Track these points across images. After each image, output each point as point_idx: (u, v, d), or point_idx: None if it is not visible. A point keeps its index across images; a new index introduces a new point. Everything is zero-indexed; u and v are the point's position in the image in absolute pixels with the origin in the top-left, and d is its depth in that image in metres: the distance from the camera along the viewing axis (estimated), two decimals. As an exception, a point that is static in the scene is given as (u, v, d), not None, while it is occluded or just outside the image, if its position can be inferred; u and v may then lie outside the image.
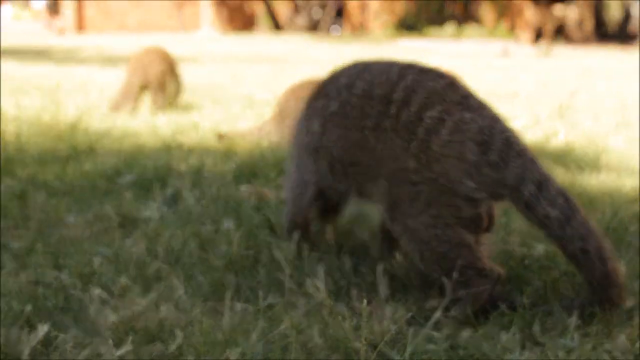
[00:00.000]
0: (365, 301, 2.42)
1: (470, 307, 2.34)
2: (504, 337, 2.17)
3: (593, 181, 4.07)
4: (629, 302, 2.38)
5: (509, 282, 2.59)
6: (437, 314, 2.27)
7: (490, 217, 2.45)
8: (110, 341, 2.07)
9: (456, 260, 2.36)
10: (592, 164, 4.61)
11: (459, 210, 2.37)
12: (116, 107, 6.67)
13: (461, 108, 2.40)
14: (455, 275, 2.35)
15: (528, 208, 2.32)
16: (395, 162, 2.43)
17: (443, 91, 2.44)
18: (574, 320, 2.26)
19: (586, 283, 2.36)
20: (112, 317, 2.25)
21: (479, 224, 2.41)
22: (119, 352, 2.03)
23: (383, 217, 2.56)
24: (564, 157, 4.78)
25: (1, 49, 15.45)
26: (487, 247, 2.50)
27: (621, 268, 2.44)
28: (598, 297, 2.32)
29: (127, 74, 6.81)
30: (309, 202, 2.82)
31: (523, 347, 2.18)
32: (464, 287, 2.36)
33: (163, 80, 6.81)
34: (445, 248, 2.38)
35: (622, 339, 2.14)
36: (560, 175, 4.18)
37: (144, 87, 6.77)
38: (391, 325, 2.27)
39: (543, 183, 2.32)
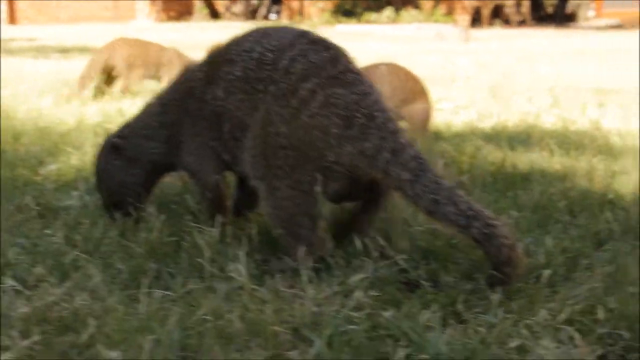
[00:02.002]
0: (287, 284, 2.40)
1: (282, 267, 2.56)
2: (426, 315, 2.12)
3: (524, 159, 4.06)
4: (546, 273, 2.42)
5: (435, 260, 2.56)
6: (358, 294, 2.24)
7: (376, 191, 2.67)
8: (16, 332, 1.99)
9: (299, 226, 2.58)
10: (524, 142, 4.60)
11: (317, 180, 2.54)
12: (78, 89, 6.61)
13: (335, 83, 2.55)
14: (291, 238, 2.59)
15: (384, 174, 2.49)
16: (271, 125, 2.57)
17: (323, 65, 2.58)
18: (497, 297, 2.24)
19: (453, 228, 2.43)
20: (23, 308, 2.17)
21: (341, 195, 2.64)
22: (26, 343, 1.96)
23: (248, 174, 2.67)
24: (496, 136, 4.77)
25: None
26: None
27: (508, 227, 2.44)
28: (473, 237, 2.40)
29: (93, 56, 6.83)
30: (216, 169, 2.86)
31: (445, 325, 2.14)
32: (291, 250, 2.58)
33: (127, 65, 6.73)
34: (295, 212, 2.57)
35: (543, 313, 2.11)
36: (492, 153, 4.17)
37: (108, 70, 6.73)
38: (313, 307, 2.23)
39: (398, 151, 2.48)
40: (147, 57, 6.97)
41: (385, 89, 4.87)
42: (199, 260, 2.56)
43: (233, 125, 2.70)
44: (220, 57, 2.77)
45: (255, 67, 2.63)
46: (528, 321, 2.09)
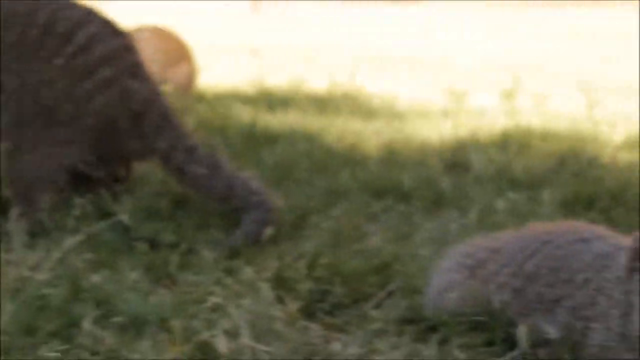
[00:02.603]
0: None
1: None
2: (133, 276, 2.03)
3: (279, 120, 4.04)
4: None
5: (158, 220, 2.46)
6: (71, 257, 2.13)
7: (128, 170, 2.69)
8: None
9: (35, 190, 2.47)
10: (285, 104, 4.59)
11: (88, 164, 2.51)
12: None
13: (131, 76, 2.49)
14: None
15: (179, 171, 2.51)
16: (51, 98, 2.44)
17: (120, 53, 2.50)
18: (212, 256, 2.18)
19: (244, 214, 2.45)
20: None
21: (109, 178, 2.59)
22: None
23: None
24: (258, 99, 4.75)
25: None
26: None
27: (278, 199, 2.55)
28: (256, 223, 2.43)
29: None
30: None
31: (157, 285, 2.06)
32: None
33: None
34: (38, 176, 2.48)
35: (248, 271, 2.06)
36: (247, 115, 4.12)
37: None
38: (23, 271, 2.10)
39: (192, 150, 2.51)
40: None
41: (149, 52, 4.76)
42: None
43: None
44: None
45: (40, 33, 2.44)
46: (234, 279, 2.03)
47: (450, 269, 1.98)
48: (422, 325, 1.89)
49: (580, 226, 1.88)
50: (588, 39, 9.30)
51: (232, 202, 2.49)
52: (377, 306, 1.99)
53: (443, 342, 1.80)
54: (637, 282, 1.53)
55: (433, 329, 1.87)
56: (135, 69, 2.52)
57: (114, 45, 2.49)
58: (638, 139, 4.10)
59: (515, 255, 1.85)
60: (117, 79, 2.46)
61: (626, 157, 3.82)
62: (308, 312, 1.94)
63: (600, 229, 1.85)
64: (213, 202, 2.55)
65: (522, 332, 1.70)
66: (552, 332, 1.69)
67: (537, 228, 1.92)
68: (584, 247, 1.75)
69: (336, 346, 1.78)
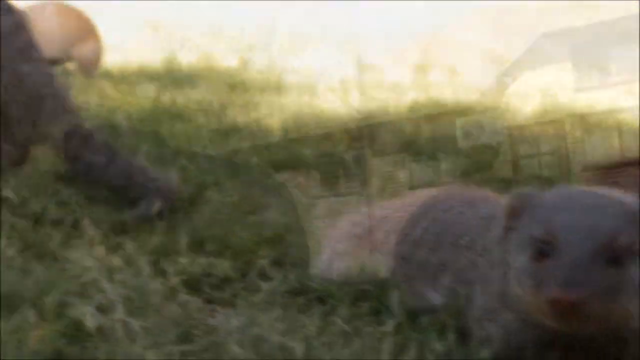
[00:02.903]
0: None
1: None
2: (10, 253, 1.95)
3: (185, 96, 3.98)
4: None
5: (47, 196, 2.38)
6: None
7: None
8: None
9: None
10: (193, 81, 4.52)
11: None
12: None
13: (22, 58, 2.39)
14: None
15: (74, 159, 2.42)
16: None
17: (9, 34, 2.38)
18: (97, 233, 2.10)
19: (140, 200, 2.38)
20: None
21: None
22: None
23: None
24: (165, 76, 4.67)
25: None
26: None
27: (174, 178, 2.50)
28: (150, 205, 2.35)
29: None
30: None
31: (41, 264, 1.98)
32: None
33: None
34: None
35: (130, 246, 1.99)
36: (154, 92, 4.03)
37: None
38: None
39: (88, 137, 2.42)
40: None
41: (54, 29, 4.64)
42: None
43: None
44: None
45: None
46: (115, 255, 1.96)
47: (339, 238, 1.94)
48: (309, 297, 1.84)
49: (466, 190, 1.85)
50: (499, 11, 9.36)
51: (129, 191, 2.41)
52: (266, 279, 1.94)
53: (330, 313, 1.76)
54: (513, 241, 1.49)
55: (320, 300, 1.83)
56: (27, 51, 2.41)
57: (2, 25, 2.38)
58: (548, 110, 4.12)
59: (402, 222, 1.81)
60: (7, 61, 2.35)
61: (535, 127, 3.82)
62: (193, 286, 1.88)
63: (488, 192, 1.83)
64: (109, 191, 2.45)
65: (395, 300, 1.66)
66: (435, 298, 1.65)
67: (424, 194, 1.88)
68: (469, 210, 1.72)
69: (218, 319, 1.73)
